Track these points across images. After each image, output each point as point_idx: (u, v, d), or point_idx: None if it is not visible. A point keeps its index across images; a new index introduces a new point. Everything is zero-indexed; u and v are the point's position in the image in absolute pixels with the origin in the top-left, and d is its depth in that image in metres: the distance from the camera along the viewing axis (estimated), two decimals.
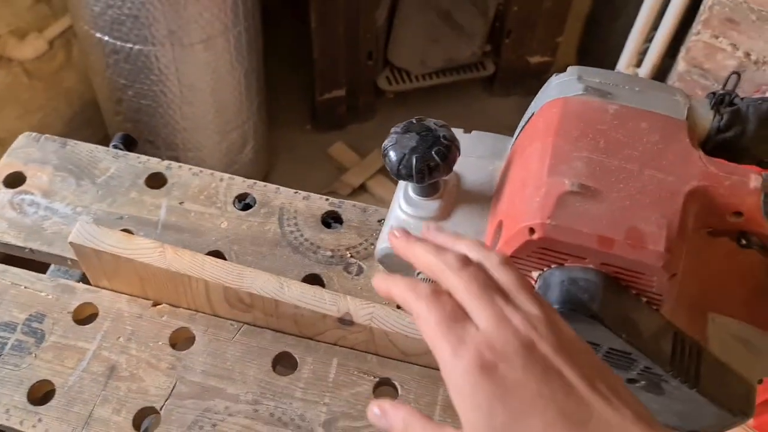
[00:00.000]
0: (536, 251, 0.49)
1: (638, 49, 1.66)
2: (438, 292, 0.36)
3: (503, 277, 0.38)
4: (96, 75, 1.46)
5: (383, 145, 0.57)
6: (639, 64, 1.68)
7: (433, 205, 0.60)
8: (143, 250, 0.59)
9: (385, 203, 0.64)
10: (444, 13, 1.88)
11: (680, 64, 1.58)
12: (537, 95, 0.60)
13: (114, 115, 1.52)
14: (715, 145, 0.53)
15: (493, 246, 0.55)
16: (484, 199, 0.61)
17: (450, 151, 0.56)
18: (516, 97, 2.11)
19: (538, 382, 0.32)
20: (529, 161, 0.53)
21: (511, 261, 0.40)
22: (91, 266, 0.62)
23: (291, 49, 1.98)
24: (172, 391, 0.59)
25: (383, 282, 0.40)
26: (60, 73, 1.61)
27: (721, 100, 0.54)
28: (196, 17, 1.31)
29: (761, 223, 0.50)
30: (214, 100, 1.48)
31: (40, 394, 0.59)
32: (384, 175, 1.86)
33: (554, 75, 0.59)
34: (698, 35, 1.50)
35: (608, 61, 1.89)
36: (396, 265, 0.62)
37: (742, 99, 0.54)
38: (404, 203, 0.61)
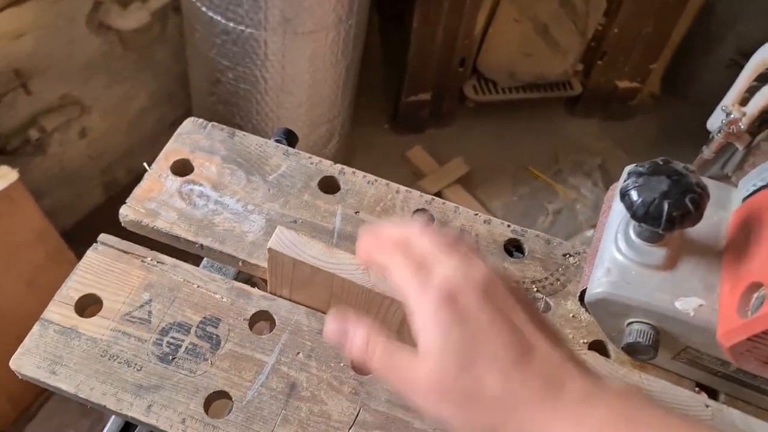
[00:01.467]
0: None
1: (747, 86, 1.61)
2: (408, 249, 0.41)
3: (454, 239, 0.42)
4: (197, 53, 1.42)
5: (625, 183, 0.53)
6: (744, 103, 1.63)
7: (659, 252, 0.56)
8: (347, 266, 0.55)
9: None
10: (542, 27, 1.83)
11: None
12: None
13: (207, 95, 1.48)
14: None
15: (743, 308, 0.50)
16: (711, 252, 0.57)
17: (703, 200, 0.51)
18: (597, 119, 2.07)
19: (491, 313, 0.37)
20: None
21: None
22: (280, 274, 0.58)
23: (377, 47, 1.94)
24: (356, 418, 0.55)
25: (365, 245, 0.45)
26: (152, 46, 1.57)
27: None
28: (314, 7, 1.27)
29: None
30: (312, 92, 1.44)
31: (217, 407, 0.55)
32: (461, 185, 1.82)
33: None
34: None
35: (694, 94, 1.85)
36: (606, 311, 0.58)
37: None
38: (625, 245, 0.57)
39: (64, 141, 1.50)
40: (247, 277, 0.67)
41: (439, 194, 1.79)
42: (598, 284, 0.57)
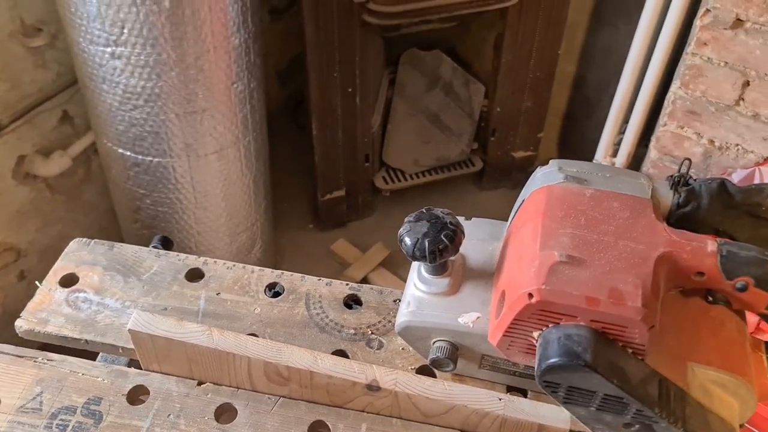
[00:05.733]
0: (535, 313, 0.58)
1: (613, 140, 1.82)
2: None
3: None
4: (116, 186, 1.58)
5: (399, 232, 0.68)
6: (615, 153, 1.83)
7: (443, 282, 0.70)
8: (193, 333, 0.68)
9: None
10: (433, 116, 2.05)
11: (652, 152, 1.72)
12: (525, 185, 0.71)
13: (132, 223, 1.63)
14: (677, 219, 0.64)
15: (498, 312, 0.64)
16: (487, 275, 0.71)
17: (456, 234, 0.66)
18: (504, 189, 2.25)
19: None
20: (523, 239, 0.63)
21: None
22: (145, 350, 0.70)
23: (292, 154, 2.13)
24: None
25: None
26: (80, 187, 1.73)
27: (678, 181, 0.65)
28: (211, 131, 1.44)
29: (720, 281, 0.59)
30: (225, 205, 1.59)
31: None
32: (384, 267, 1.96)
33: (538, 167, 0.70)
34: (665, 126, 1.65)
35: (586, 152, 2.05)
36: (414, 336, 0.71)
37: (695, 180, 0.65)
38: (418, 281, 0.71)
39: (3, 286, 1.61)
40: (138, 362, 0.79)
41: (365, 279, 1.93)
42: (401, 316, 0.70)
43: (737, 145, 1.58)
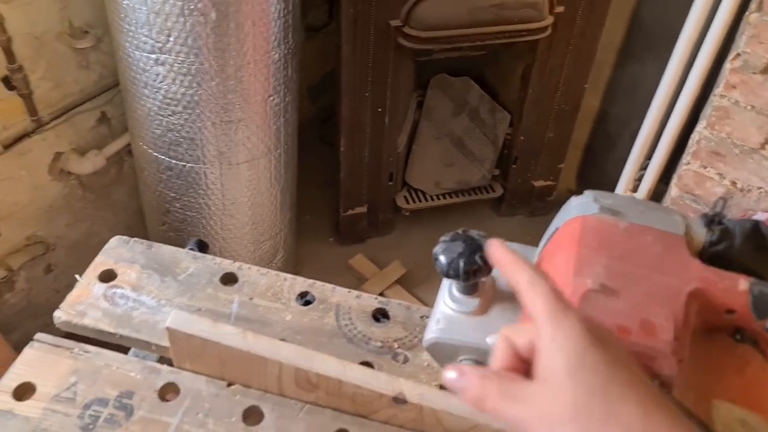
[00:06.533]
0: None
1: (634, 176, 1.83)
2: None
3: None
4: (147, 188, 1.62)
5: (434, 250, 0.70)
6: (635, 189, 1.85)
7: (473, 301, 0.72)
8: (228, 335, 0.70)
9: None
10: (457, 140, 2.08)
11: (673, 190, 1.73)
12: (559, 213, 0.73)
13: (159, 225, 1.66)
14: (710, 256, 0.65)
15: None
16: (515, 298, 0.72)
17: None
18: (521, 216, 2.27)
19: (625, 349, 0.41)
20: (557, 266, 0.65)
21: None
22: (179, 349, 0.72)
23: (317, 168, 2.16)
24: None
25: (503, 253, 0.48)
26: (110, 187, 1.77)
27: (712, 220, 0.67)
28: (244, 141, 1.48)
29: (751, 320, 0.61)
30: (252, 213, 1.62)
31: None
32: (400, 285, 1.97)
33: (572, 197, 0.72)
34: (688, 165, 1.67)
35: (604, 186, 2.06)
36: (441, 353, 0.73)
37: (729, 219, 0.67)
38: (449, 299, 0.73)
39: (30, 278, 1.65)
40: (169, 360, 0.81)
41: (381, 295, 1.94)
42: (430, 332, 0.72)
43: (760, 188, 1.59)
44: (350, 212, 2.01)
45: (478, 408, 0.41)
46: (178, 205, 1.56)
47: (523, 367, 0.42)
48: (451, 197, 2.14)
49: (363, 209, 2.02)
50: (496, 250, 0.50)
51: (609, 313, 0.59)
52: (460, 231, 0.72)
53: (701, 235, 0.66)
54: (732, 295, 0.60)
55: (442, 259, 0.69)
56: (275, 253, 1.76)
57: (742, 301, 0.60)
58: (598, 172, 2.28)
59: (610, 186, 1.95)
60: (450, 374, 0.43)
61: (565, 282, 0.61)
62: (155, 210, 1.64)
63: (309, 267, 2.01)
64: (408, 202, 2.10)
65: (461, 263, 0.68)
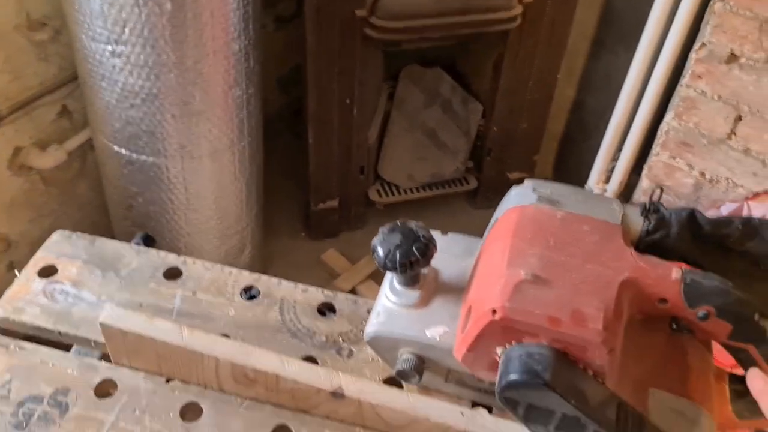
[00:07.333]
0: (499, 330, 0.59)
1: (606, 167, 1.83)
2: None
3: None
4: (110, 183, 1.59)
5: (372, 242, 0.69)
6: (608, 180, 1.84)
7: (413, 294, 0.71)
8: (164, 330, 0.68)
9: None
10: (430, 133, 2.06)
11: (644, 181, 1.73)
12: (500, 203, 0.72)
13: (123, 220, 1.63)
14: (646, 246, 0.65)
15: (464, 327, 0.64)
16: (458, 290, 0.72)
17: (428, 247, 0.67)
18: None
19: None
20: (492, 257, 0.64)
21: None
22: (115, 345, 0.71)
23: (288, 163, 2.15)
24: None
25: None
26: (73, 181, 1.74)
27: (648, 209, 0.66)
28: (206, 133, 1.46)
29: (683, 309, 0.60)
30: (216, 208, 1.60)
31: None
32: (373, 279, 1.96)
33: (514, 186, 0.71)
34: (658, 156, 1.67)
35: (582, 177, 2.06)
36: (382, 347, 0.72)
37: (666, 208, 0.66)
38: (389, 292, 0.72)
39: None
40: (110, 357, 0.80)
41: (353, 290, 1.93)
42: (370, 325, 0.71)
43: (728, 178, 1.59)
44: (321, 206, 2.00)
45: None
46: (140, 199, 1.54)
47: None
48: (425, 190, 2.13)
49: (334, 203, 2.01)
50: (756, 376, 0.53)
51: (541, 304, 0.58)
52: (398, 222, 0.71)
53: (638, 224, 0.65)
54: (664, 284, 0.60)
55: (380, 250, 0.68)
56: (242, 248, 1.74)
57: (675, 289, 0.60)
58: (575, 162, 2.27)
59: (587, 177, 1.94)
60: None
61: (499, 273, 0.61)
62: (118, 205, 1.62)
63: (279, 262, 2.00)
64: (381, 196, 2.09)
65: (398, 255, 0.67)
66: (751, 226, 0.64)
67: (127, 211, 1.60)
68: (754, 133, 1.51)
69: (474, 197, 2.24)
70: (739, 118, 1.51)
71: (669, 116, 1.61)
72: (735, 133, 1.53)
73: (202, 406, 0.70)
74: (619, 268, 0.60)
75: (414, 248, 0.66)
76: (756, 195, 1.57)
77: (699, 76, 1.51)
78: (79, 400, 0.70)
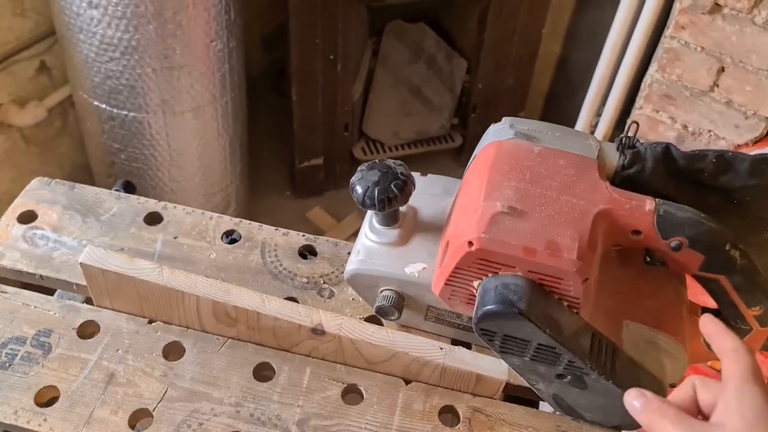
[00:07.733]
0: (475, 262, 0.60)
1: (590, 122, 1.83)
2: None
3: None
4: (91, 140, 1.58)
5: (351, 180, 0.69)
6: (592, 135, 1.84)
7: (393, 232, 0.71)
8: (144, 269, 0.69)
9: None
10: (415, 89, 2.05)
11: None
12: (480, 141, 0.72)
13: (106, 177, 1.63)
14: (621, 180, 0.66)
15: (442, 261, 0.65)
16: (437, 228, 0.72)
17: (406, 184, 0.67)
18: None
19: None
20: (470, 191, 0.65)
21: None
22: (96, 285, 0.71)
23: (273, 120, 2.13)
24: (164, 395, 0.67)
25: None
26: (55, 139, 1.72)
27: (624, 144, 0.66)
28: (187, 88, 1.44)
29: (656, 240, 0.61)
30: (200, 164, 1.60)
31: (46, 398, 0.67)
32: None
33: (492, 124, 0.72)
34: (641, 109, 1.67)
35: None
36: (361, 285, 0.72)
37: (641, 143, 0.67)
38: (369, 231, 0.72)
39: None
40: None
41: None
42: (350, 264, 0.71)
43: (710, 131, 1.60)
44: (306, 164, 1.99)
45: (650, 426, 0.47)
46: (123, 156, 1.53)
47: (695, 416, 0.48)
48: (410, 148, 2.13)
49: (319, 161, 2.00)
50: (708, 320, 0.54)
51: (517, 235, 0.58)
52: (377, 160, 0.71)
53: (613, 159, 0.66)
54: (638, 215, 0.60)
55: (358, 188, 0.68)
56: (227, 205, 1.74)
57: (648, 221, 0.60)
58: (561, 119, 2.25)
59: None
60: (631, 395, 0.49)
61: (476, 206, 0.61)
62: (101, 162, 1.60)
63: (265, 220, 1.96)
64: (366, 154, 2.09)
65: (376, 192, 0.67)
66: (724, 159, 0.64)
67: (110, 169, 1.59)
68: (737, 85, 1.51)
69: (459, 154, 2.24)
70: (721, 70, 1.51)
71: (652, 68, 1.61)
72: (718, 85, 1.53)
73: (185, 345, 0.71)
74: (593, 200, 0.61)
75: (392, 185, 0.66)
76: (738, 147, 1.58)
77: (683, 27, 1.51)
78: (62, 341, 0.70)
